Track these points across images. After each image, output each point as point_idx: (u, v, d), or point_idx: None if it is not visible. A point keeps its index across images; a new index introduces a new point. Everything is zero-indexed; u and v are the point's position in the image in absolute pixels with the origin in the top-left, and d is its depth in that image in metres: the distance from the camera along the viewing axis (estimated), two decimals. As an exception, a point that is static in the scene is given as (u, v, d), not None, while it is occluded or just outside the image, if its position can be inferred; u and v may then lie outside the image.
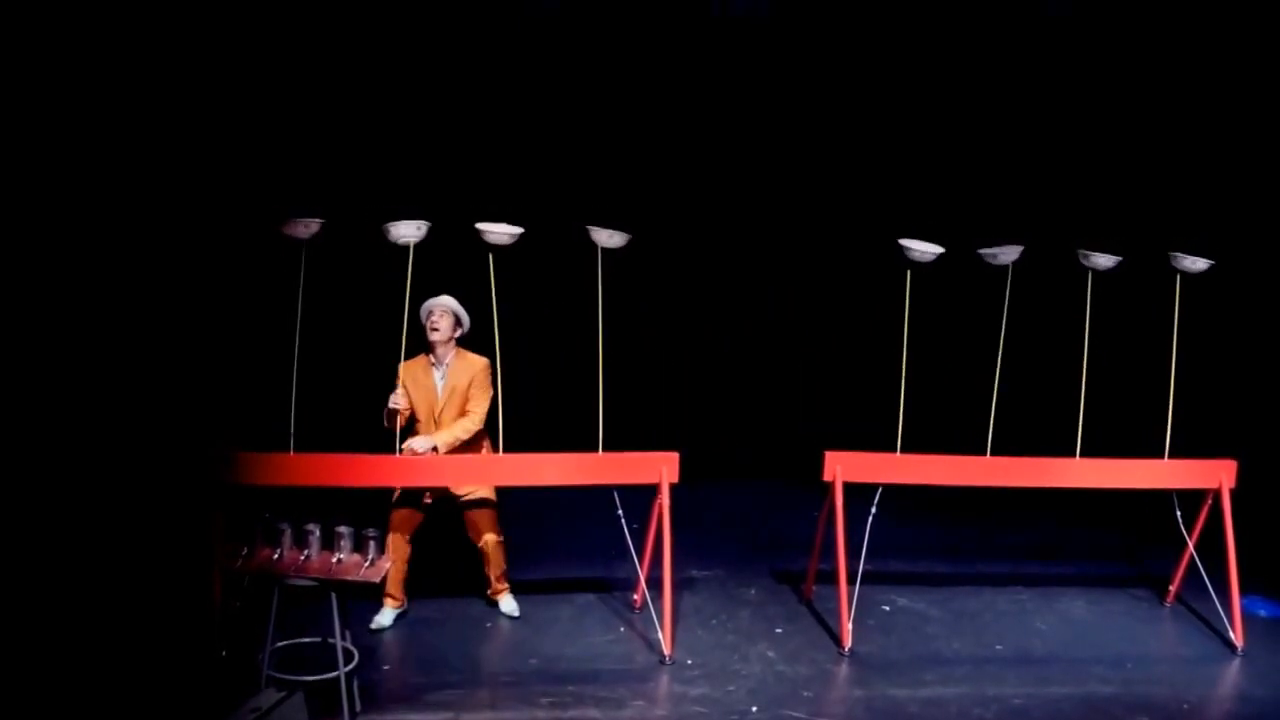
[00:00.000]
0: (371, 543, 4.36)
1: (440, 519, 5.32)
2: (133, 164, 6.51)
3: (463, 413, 5.17)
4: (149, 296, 6.55)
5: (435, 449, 5.05)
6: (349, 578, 4.29)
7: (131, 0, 6.21)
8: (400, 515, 5.19)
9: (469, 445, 5.19)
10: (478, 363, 5.19)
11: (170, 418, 6.46)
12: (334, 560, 4.33)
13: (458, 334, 5.21)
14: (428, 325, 5.15)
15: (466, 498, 5.24)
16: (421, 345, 5.21)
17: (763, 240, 7.68)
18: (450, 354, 5.19)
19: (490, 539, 5.30)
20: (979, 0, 7.48)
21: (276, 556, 4.32)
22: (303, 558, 4.33)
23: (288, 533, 4.35)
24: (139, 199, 6.50)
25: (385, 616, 5.26)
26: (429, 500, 5.22)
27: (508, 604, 5.46)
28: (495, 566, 5.38)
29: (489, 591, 5.46)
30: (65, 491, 6.05)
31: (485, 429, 5.24)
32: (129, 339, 6.55)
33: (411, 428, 5.19)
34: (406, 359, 5.15)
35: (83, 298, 6.44)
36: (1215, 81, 7.46)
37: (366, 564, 4.33)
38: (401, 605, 5.31)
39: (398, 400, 5.05)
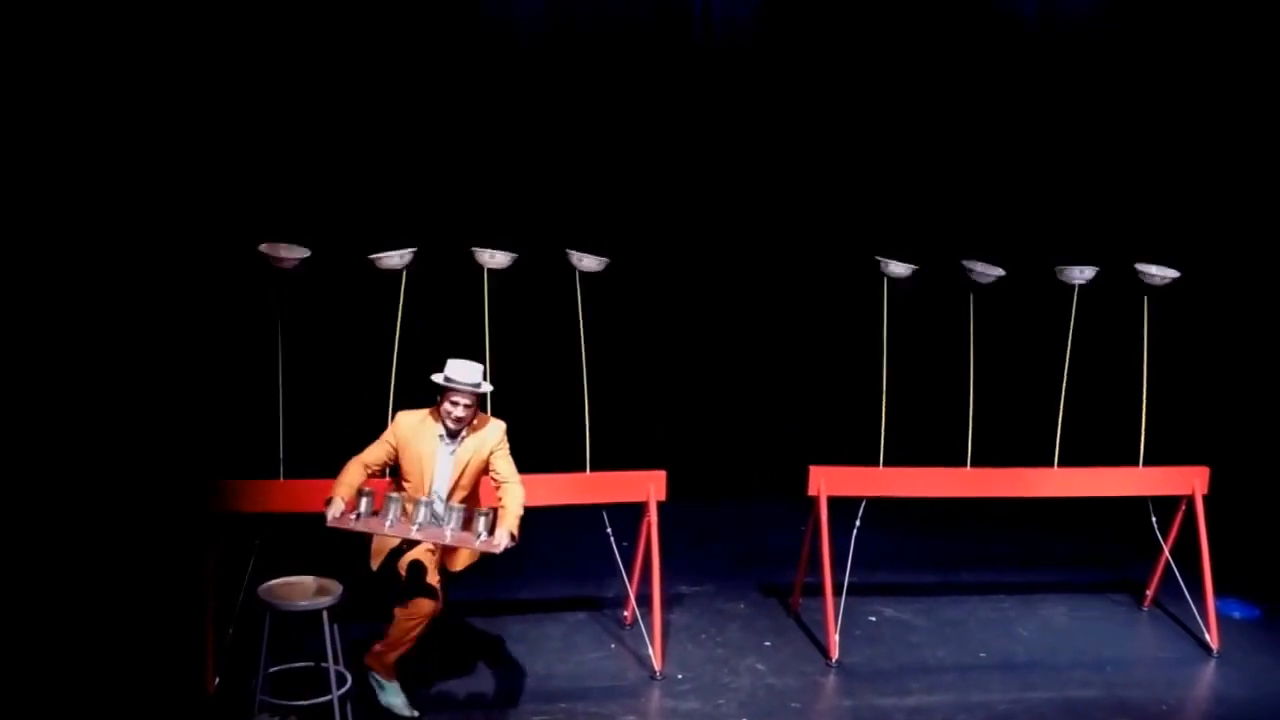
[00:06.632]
0: (481, 519, 4.22)
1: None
2: (131, 201, 6.58)
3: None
4: (140, 327, 6.61)
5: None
6: (469, 546, 4.22)
7: (116, 27, 6.32)
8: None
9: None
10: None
11: (162, 449, 6.51)
12: (445, 532, 4.21)
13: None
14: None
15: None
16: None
17: (745, 259, 7.77)
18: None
19: None
20: (956, 24, 7.64)
21: (388, 525, 4.18)
22: (414, 528, 4.21)
23: (395, 502, 4.18)
24: (134, 234, 6.57)
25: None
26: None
27: None
28: None
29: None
30: (60, 523, 6.08)
31: None
32: (120, 371, 6.59)
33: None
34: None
35: (75, 331, 6.48)
36: (1182, 97, 7.64)
37: (477, 539, 4.20)
38: None
39: None
